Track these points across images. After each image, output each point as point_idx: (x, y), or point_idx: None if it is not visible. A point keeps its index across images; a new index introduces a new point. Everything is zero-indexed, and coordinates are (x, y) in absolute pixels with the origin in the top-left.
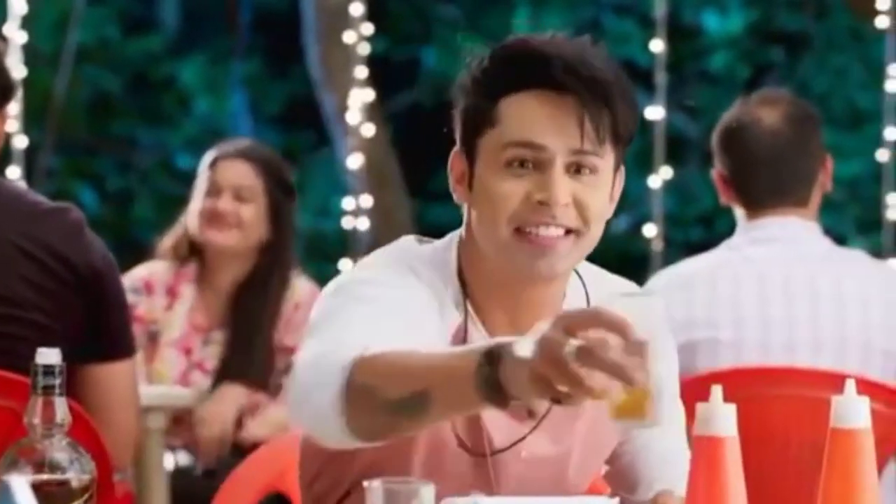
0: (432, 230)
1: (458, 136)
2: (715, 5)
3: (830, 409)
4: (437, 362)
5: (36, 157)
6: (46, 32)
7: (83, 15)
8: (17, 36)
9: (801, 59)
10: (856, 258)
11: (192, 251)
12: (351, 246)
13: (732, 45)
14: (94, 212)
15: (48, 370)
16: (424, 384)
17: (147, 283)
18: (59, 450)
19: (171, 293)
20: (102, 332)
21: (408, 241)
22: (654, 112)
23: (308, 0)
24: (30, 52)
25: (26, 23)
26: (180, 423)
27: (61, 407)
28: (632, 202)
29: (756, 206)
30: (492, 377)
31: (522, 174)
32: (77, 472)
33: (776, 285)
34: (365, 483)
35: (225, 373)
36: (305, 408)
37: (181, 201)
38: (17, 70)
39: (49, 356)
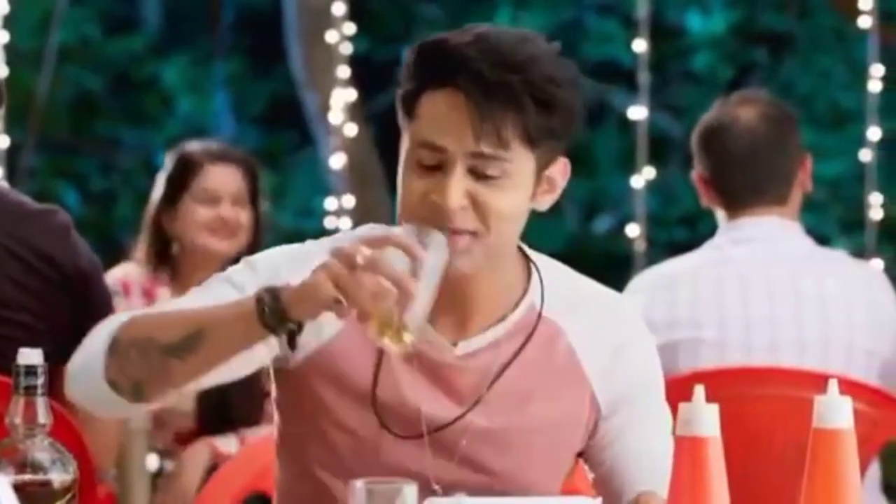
0: None
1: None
2: (698, 5)
3: (813, 409)
4: (215, 308)
5: (18, 157)
6: (28, 32)
7: (65, 14)
8: None
9: (784, 60)
10: (838, 258)
11: (166, 256)
12: None
13: (715, 45)
14: (77, 212)
15: (30, 370)
16: (198, 326)
17: (124, 283)
18: (41, 450)
19: (148, 295)
20: (87, 333)
21: (362, 229)
22: (637, 112)
23: (290, 0)
24: (11, 52)
25: (8, 22)
26: (161, 424)
27: (43, 407)
28: (614, 202)
29: (735, 206)
30: (273, 303)
31: (426, 174)
32: (59, 473)
33: (758, 285)
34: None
35: None
36: (74, 376)
37: None
38: None
39: (31, 356)
